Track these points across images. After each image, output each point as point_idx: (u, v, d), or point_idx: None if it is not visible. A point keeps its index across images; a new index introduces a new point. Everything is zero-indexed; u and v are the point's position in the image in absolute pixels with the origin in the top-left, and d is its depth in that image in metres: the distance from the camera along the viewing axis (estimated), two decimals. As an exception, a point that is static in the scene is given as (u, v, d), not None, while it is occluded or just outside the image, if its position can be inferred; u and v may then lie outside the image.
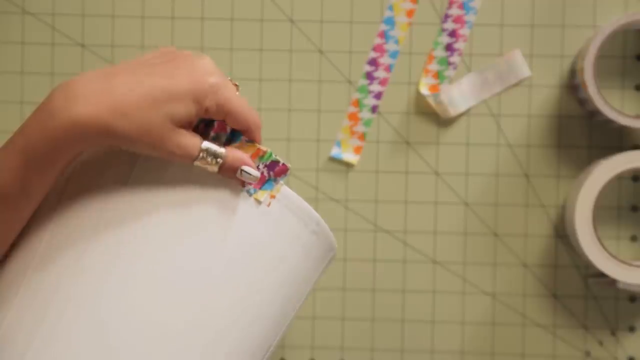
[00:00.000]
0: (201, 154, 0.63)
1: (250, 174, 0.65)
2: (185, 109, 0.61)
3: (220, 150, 0.64)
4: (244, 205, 0.66)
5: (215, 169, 0.64)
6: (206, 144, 0.63)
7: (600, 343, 1.01)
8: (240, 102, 0.64)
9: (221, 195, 0.65)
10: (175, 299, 0.62)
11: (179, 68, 0.62)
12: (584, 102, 0.99)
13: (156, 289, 0.62)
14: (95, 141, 0.61)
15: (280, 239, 0.67)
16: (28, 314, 0.61)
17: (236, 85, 0.67)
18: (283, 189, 0.68)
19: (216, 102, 0.63)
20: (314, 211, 0.70)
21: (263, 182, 0.67)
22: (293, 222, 0.68)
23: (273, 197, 0.67)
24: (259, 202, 0.67)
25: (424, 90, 1.01)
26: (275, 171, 0.67)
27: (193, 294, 0.63)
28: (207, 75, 0.62)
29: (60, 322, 0.60)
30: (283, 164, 0.67)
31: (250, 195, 0.67)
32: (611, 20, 0.96)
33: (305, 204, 0.69)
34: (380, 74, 1.02)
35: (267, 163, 0.67)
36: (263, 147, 0.67)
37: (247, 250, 0.65)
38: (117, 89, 0.60)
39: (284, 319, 0.70)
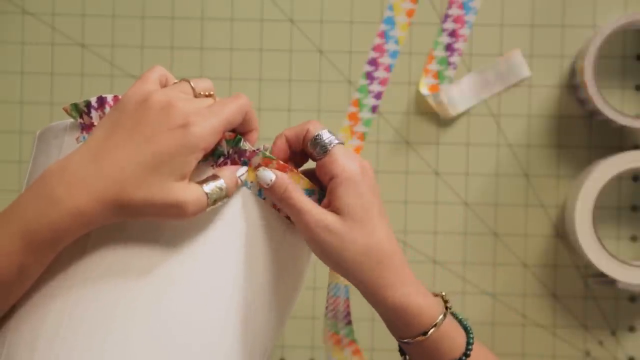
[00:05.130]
0: (209, 201, 0.62)
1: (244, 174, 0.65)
2: (183, 163, 0.61)
3: (220, 183, 0.63)
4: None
5: (226, 200, 0.64)
6: (207, 189, 0.62)
7: (600, 343, 1.01)
8: (223, 113, 0.63)
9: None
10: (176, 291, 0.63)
11: (156, 128, 0.61)
12: (584, 102, 0.99)
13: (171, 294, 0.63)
14: (100, 224, 0.61)
15: (260, 223, 0.67)
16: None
17: (185, 86, 0.65)
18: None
19: (210, 136, 0.62)
20: None
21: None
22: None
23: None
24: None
25: (424, 90, 1.01)
26: (247, 156, 0.66)
27: (182, 284, 0.63)
28: (186, 122, 0.61)
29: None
30: (253, 151, 0.66)
31: None
32: (611, 20, 0.96)
33: None
34: (380, 74, 1.02)
35: (236, 149, 0.66)
36: (228, 133, 0.66)
37: (227, 236, 0.65)
38: (111, 171, 0.60)
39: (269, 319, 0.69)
